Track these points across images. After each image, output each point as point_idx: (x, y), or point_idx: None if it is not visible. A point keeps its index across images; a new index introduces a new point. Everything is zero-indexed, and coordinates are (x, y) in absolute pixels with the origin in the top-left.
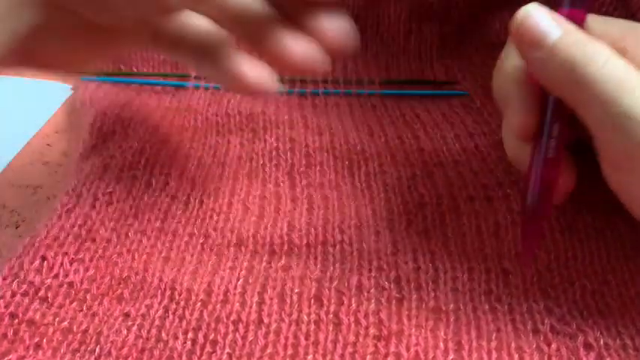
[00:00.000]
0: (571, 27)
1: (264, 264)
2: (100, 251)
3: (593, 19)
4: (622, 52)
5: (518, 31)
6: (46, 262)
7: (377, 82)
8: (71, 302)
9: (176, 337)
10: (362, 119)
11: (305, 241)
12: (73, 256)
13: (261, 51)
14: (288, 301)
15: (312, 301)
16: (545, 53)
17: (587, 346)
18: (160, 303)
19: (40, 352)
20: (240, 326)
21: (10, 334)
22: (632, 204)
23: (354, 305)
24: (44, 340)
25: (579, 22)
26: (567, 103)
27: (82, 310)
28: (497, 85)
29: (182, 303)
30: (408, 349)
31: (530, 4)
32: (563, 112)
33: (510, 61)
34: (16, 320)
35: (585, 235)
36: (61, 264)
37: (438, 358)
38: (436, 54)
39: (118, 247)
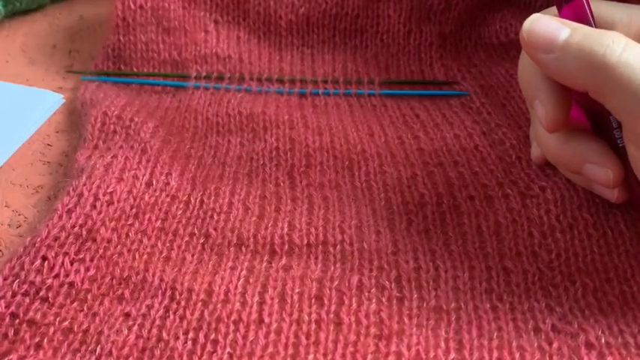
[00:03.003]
0: (577, 24)
1: (264, 264)
2: (101, 251)
3: (600, 6)
4: (629, 36)
5: (529, 39)
6: (46, 262)
7: (377, 82)
8: (72, 302)
9: (177, 337)
10: (362, 119)
11: (305, 241)
12: (74, 256)
13: None
14: (289, 300)
15: (313, 300)
16: (558, 53)
17: (589, 345)
18: (160, 303)
19: (41, 352)
20: (241, 326)
21: (10, 334)
22: None
23: (354, 305)
24: (45, 340)
25: (583, 13)
26: (591, 94)
27: (82, 310)
28: (523, 79)
29: (183, 303)
30: (409, 349)
31: (533, 14)
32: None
33: None
34: (17, 320)
35: (586, 234)
36: (62, 264)
37: (439, 358)
38: (436, 54)
39: (119, 247)
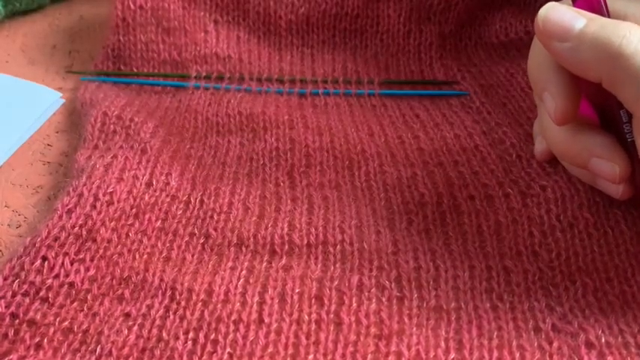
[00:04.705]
0: (593, 15)
1: (264, 264)
2: (101, 251)
3: (614, 0)
4: None
5: (544, 27)
6: (46, 262)
7: (377, 82)
8: (72, 302)
9: (177, 337)
10: (362, 119)
11: (305, 241)
12: (74, 256)
13: None
14: (289, 300)
15: (313, 300)
16: (573, 42)
17: (589, 345)
18: (160, 303)
19: (41, 352)
20: (241, 326)
21: (10, 334)
22: None
23: (354, 305)
24: (45, 340)
25: (597, 4)
26: (604, 84)
27: (82, 310)
28: (533, 70)
29: (183, 303)
30: (409, 348)
31: (549, 3)
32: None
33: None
34: (17, 320)
35: (587, 233)
36: (62, 264)
37: (439, 357)
38: (436, 54)
39: (119, 247)
